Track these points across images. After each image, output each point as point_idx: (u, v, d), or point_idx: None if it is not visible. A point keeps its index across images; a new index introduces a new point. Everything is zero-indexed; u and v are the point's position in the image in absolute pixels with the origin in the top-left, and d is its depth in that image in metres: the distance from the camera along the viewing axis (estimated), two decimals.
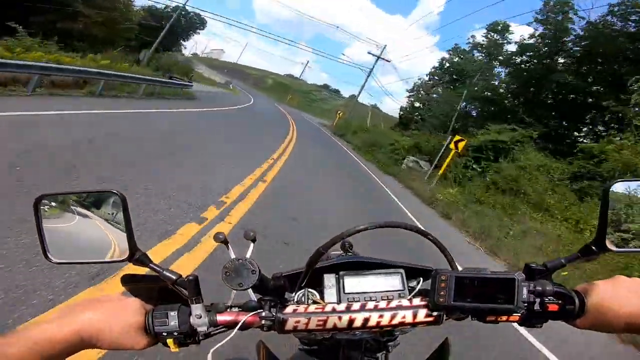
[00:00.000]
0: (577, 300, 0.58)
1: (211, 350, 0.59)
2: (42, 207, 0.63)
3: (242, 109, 21.15)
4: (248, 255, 0.61)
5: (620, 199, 0.64)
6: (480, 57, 26.88)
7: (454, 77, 28.07)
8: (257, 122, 16.91)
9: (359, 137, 24.68)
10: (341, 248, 0.98)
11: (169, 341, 0.58)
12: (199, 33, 36.22)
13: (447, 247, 0.70)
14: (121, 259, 0.62)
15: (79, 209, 0.65)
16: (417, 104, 30.52)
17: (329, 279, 0.71)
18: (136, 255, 0.61)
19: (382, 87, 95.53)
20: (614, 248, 0.61)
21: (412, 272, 0.74)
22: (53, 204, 0.65)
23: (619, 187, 0.63)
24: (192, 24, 34.99)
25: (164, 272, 0.61)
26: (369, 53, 35.67)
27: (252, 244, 0.65)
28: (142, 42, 19.89)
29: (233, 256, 0.60)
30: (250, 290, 0.60)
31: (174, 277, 0.60)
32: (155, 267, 0.61)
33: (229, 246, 0.63)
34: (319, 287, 0.70)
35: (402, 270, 0.72)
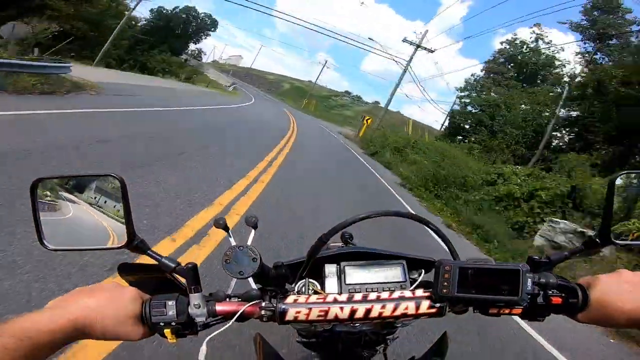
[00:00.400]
0: (580, 294, 0.57)
1: (206, 339, 0.58)
2: (38, 191, 0.60)
3: (215, 110, 14.39)
4: (249, 242, 0.61)
5: (625, 192, 0.63)
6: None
7: (523, 71, 22.43)
8: (235, 132, 9.96)
9: (406, 160, 14.67)
10: (341, 239, 0.97)
11: (166, 331, 0.56)
12: (209, 35, 36.85)
13: None
14: (119, 245, 0.60)
15: (77, 194, 0.62)
16: (470, 108, 23.84)
17: (330, 270, 0.71)
18: (134, 241, 0.60)
19: (421, 87, 66.95)
20: (618, 241, 0.61)
21: (413, 264, 0.74)
22: (50, 188, 0.62)
23: (624, 180, 0.62)
24: (202, 25, 35.45)
25: (163, 259, 0.60)
26: (404, 41, 24.60)
27: (253, 231, 0.65)
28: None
29: (234, 243, 0.60)
30: (250, 279, 0.59)
31: (172, 265, 0.59)
32: (153, 254, 0.60)
33: (230, 232, 0.62)
34: (320, 278, 0.70)
35: (403, 262, 0.72)
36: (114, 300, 0.53)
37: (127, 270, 0.63)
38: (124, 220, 0.59)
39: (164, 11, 31.08)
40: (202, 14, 36.18)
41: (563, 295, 0.58)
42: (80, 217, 0.62)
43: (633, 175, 0.64)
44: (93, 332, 0.51)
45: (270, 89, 72.83)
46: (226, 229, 0.63)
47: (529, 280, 0.55)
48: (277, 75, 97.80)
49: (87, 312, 0.50)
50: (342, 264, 0.71)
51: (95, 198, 0.62)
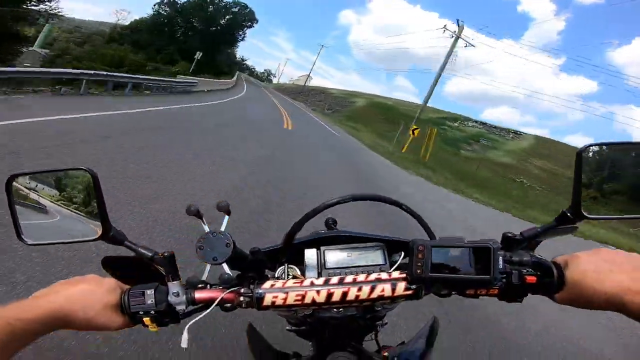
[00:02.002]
0: (555, 272, 0.54)
1: (187, 326, 0.58)
2: (14, 187, 0.62)
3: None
4: (222, 228, 0.61)
5: (592, 163, 0.59)
6: None
7: None
8: None
9: None
10: (325, 225, 0.97)
11: (146, 320, 0.57)
12: (245, 32, 44.04)
13: None
14: (94, 237, 0.61)
15: (52, 188, 0.64)
16: None
17: (310, 254, 0.72)
18: (110, 233, 0.61)
19: None
20: (590, 216, 0.58)
21: (394, 246, 0.74)
22: (26, 183, 0.63)
23: (591, 150, 0.59)
24: (239, 21, 41.30)
25: (140, 249, 0.61)
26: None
27: (226, 217, 0.66)
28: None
29: (207, 229, 0.60)
30: (225, 265, 0.60)
31: (149, 254, 0.60)
32: (130, 244, 0.62)
33: (203, 219, 0.64)
34: (302, 264, 0.71)
35: (383, 245, 0.72)
36: (93, 291, 0.54)
37: (110, 263, 0.64)
38: (98, 213, 0.60)
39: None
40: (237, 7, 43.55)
41: (538, 274, 0.56)
42: (56, 211, 0.63)
43: (598, 147, 0.60)
44: (72, 323, 0.52)
45: (331, 107, 45.83)
46: (199, 215, 0.63)
47: (501, 258, 0.55)
48: (342, 90, 69.63)
49: (66, 302, 0.51)
50: (322, 248, 0.72)
51: (69, 191, 0.63)
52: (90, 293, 0.54)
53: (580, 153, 0.58)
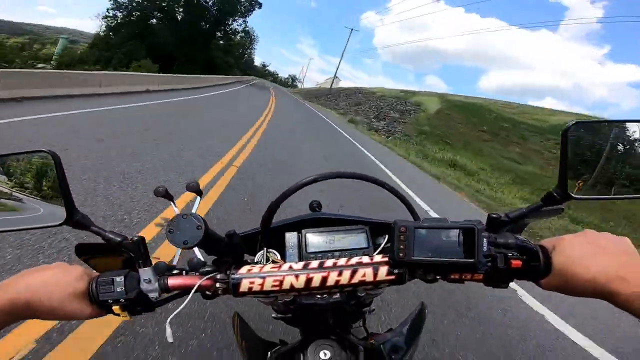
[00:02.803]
0: (541, 257, 0.52)
1: (167, 321, 0.56)
2: None
3: None
4: (194, 210, 0.58)
5: (578, 142, 0.58)
6: None
7: None
8: None
9: None
10: (310, 209, 0.95)
11: (116, 309, 0.54)
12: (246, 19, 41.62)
13: None
14: (58, 222, 0.58)
15: (11, 172, 0.61)
16: None
17: (291, 238, 0.69)
18: (75, 217, 0.58)
19: None
20: (577, 196, 0.57)
21: (379, 229, 0.72)
22: None
23: (576, 129, 0.58)
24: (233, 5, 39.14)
25: (107, 234, 0.58)
26: None
27: (198, 198, 0.63)
28: None
29: (177, 211, 0.57)
30: (196, 249, 0.57)
31: (118, 239, 0.58)
32: (97, 229, 0.59)
33: (173, 201, 0.61)
34: (283, 248, 0.69)
35: (366, 227, 0.70)
36: (59, 279, 0.52)
37: (83, 251, 0.61)
38: (62, 197, 0.57)
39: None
40: None
41: (523, 257, 0.54)
42: (17, 196, 0.61)
43: (586, 124, 0.59)
44: (38, 311, 0.50)
45: (384, 116, 27.85)
46: (168, 196, 0.61)
47: (485, 240, 0.52)
48: (389, 89, 44.69)
49: (32, 291, 0.49)
50: (303, 231, 0.70)
51: (30, 175, 0.61)
52: (56, 281, 0.52)
53: (565, 132, 0.57)
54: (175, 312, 0.57)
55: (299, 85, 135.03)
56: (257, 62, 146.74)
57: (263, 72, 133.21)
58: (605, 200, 0.62)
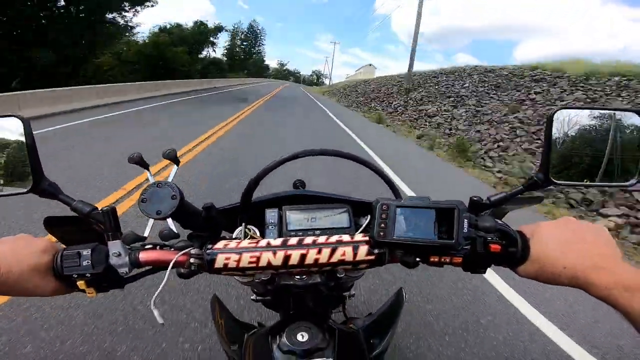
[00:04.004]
0: (520, 242, 0.52)
1: (152, 301, 0.53)
2: None
3: None
4: (170, 178, 0.56)
5: (562, 128, 0.58)
6: None
7: None
8: None
9: None
10: (293, 187, 0.93)
11: (81, 284, 0.51)
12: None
13: None
14: (23, 190, 0.55)
15: None
16: None
17: (271, 215, 0.68)
18: (41, 185, 0.54)
19: None
20: (559, 181, 0.57)
21: (361, 208, 0.71)
22: None
23: (561, 115, 0.58)
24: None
25: (75, 203, 0.55)
26: None
27: (175, 167, 0.61)
28: None
29: (152, 180, 0.54)
30: (170, 220, 0.55)
31: (86, 209, 0.54)
32: (65, 198, 0.55)
33: (149, 169, 0.58)
34: (263, 226, 0.67)
35: (348, 206, 0.69)
36: (20, 252, 0.48)
37: (53, 223, 0.58)
38: (29, 163, 0.54)
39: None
40: None
41: (503, 242, 0.53)
42: None
43: (571, 110, 0.58)
44: None
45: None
46: (142, 164, 0.58)
47: (466, 221, 0.52)
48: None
49: None
50: (284, 208, 0.69)
51: None
52: (18, 253, 0.48)
53: (551, 117, 0.56)
54: (157, 292, 0.53)
55: (326, 81, 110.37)
56: (274, 61, 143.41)
57: (282, 72, 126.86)
58: (586, 187, 0.61)
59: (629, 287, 0.42)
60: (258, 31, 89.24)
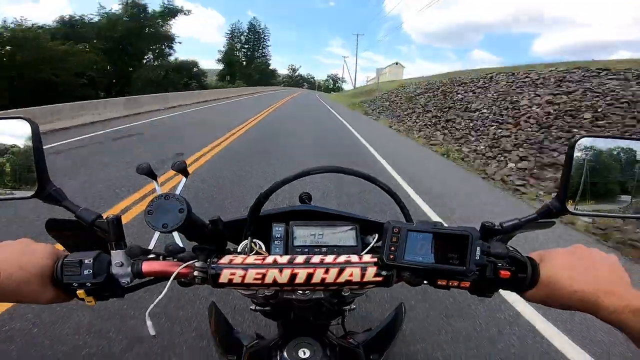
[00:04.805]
0: (529, 269, 0.52)
1: (147, 313, 0.53)
2: None
3: None
4: (178, 191, 0.55)
5: (584, 157, 0.57)
6: None
7: None
8: None
9: None
10: (299, 201, 0.92)
11: (80, 293, 0.50)
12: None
13: None
14: (28, 195, 0.54)
15: None
16: None
17: (277, 229, 0.67)
18: (47, 190, 0.54)
19: None
20: (574, 210, 0.56)
21: (369, 227, 0.70)
22: None
23: (584, 143, 0.56)
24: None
25: (80, 211, 0.54)
26: None
27: (183, 179, 0.60)
28: None
29: (159, 191, 0.54)
30: (175, 234, 0.54)
31: (91, 217, 0.53)
32: (70, 205, 0.55)
33: (157, 180, 0.57)
34: (269, 240, 0.66)
35: (356, 225, 0.68)
36: (21, 257, 0.47)
37: (55, 227, 0.57)
38: (35, 167, 0.53)
39: None
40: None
41: (512, 269, 0.53)
42: None
43: (593, 139, 0.57)
44: None
45: None
46: (151, 175, 0.57)
47: (478, 248, 0.51)
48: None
49: None
50: (291, 223, 0.68)
51: (3, 143, 0.56)
52: (19, 259, 0.47)
53: (573, 144, 0.56)
54: (154, 303, 0.52)
55: (346, 86, 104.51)
56: (285, 69, 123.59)
57: (295, 79, 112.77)
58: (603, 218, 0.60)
59: (638, 312, 0.42)
60: (260, 31, 77.31)
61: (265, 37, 78.12)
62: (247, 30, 77.34)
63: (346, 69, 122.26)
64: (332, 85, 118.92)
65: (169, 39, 39.16)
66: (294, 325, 0.70)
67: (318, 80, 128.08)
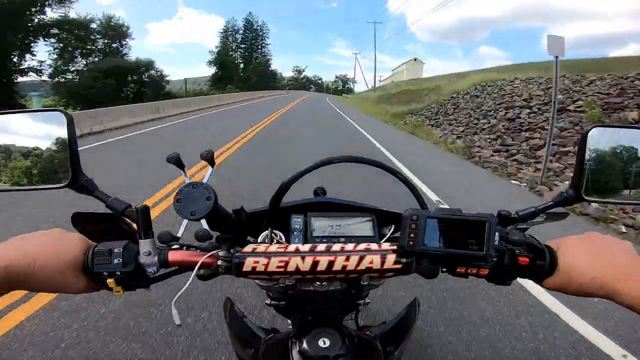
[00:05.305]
0: (548, 256, 0.53)
1: (173, 300, 0.53)
2: None
3: None
4: (205, 180, 0.56)
5: (597, 146, 0.58)
6: None
7: None
8: None
9: None
10: (314, 194, 0.93)
11: (110, 282, 0.51)
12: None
13: None
14: (62, 185, 0.56)
15: (22, 129, 0.59)
16: None
17: (296, 221, 0.68)
18: (80, 181, 0.55)
19: None
20: (589, 197, 0.58)
21: (384, 218, 0.71)
22: None
23: (596, 132, 0.58)
24: None
25: (111, 200, 0.56)
26: None
27: (210, 168, 0.62)
28: None
29: (187, 180, 0.55)
30: (203, 221, 0.56)
31: (122, 207, 0.55)
32: (101, 194, 0.57)
33: (184, 170, 0.59)
34: (288, 230, 0.68)
35: (373, 216, 0.70)
36: (54, 247, 0.48)
37: (80, 220, 0.58)
38: (69, 159, 0.55)
39: None
40: None
41: (531, 256, 0.54)
42: (23, 154, 0.59)
43: (605, 128, 0.59)
44: (27, 282, 0.45)
45: None
46: (179, 164, 0.59)
47: (497, 234, 0.52)
48: None
49: (22, 259, 0.45)
50: (310, 214, 0.69)
51: (40, 134, 0.58)
52: (51, 249, 0.47)
53: (585, 134, 0.57)
54: (179, 293, 0.54)
55: (357, 87, 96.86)
56: (289, 72, 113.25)
57: (300, 81, 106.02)
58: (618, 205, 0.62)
59: None
60: (258, 28, 68.91)
61: (264, 35, 70.23)
62: (243, 28, 68.99)
63: (359, 67, 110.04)
64: (342, 87, 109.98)
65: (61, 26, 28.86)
66: (311, 318, 0.71)
67: (326, 81, 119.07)
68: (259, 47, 69.46)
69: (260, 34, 69.45)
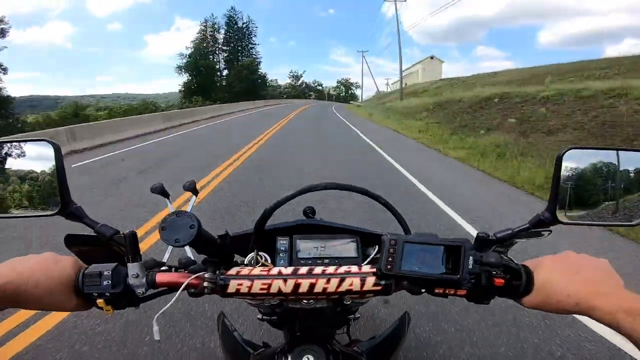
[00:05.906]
0: (524, 276, 0.54)
1: (155, 317, 0.55)
2: None
3: None
4: (189, 208, 0.58)
5: (572, 168, 0.60)
6: None
7: None
8: None
9: None
10: (303, 215, 0.96)
11: (100, 302, 0.53)
12: None
13: None
14: (52, 212, 0.58)
15: (9, 160, 0.61)
16: None
17: (282, 243, 0.70)
18: (69, 208, 0.58)
19: None
20: (565, 220, 0.58)
21: (369, 239, 0.72)
22: None
23: (571, 155, 0.59)
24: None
25: (99, 227, 0.58)
26: None
27: (193, 197, 0.64)
28: None
29: (172, 209, 0.57)
30: (187, 248, 0.57)
31: (109, 233, 0.57)
32: (90, 221, 0.59)
33: (169, 199, 0.61)
34: (274, 252, 0.70)
35: (357, 237, 0.71)
36: (47, 268, 0.52)
37: (73, 241, 0.61)
38: (58, 187, 0.57)
39: None
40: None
41: (507, 276, 0.56)
42: (12, 183, 0.61)
43: (580, 150, 0.60)
44: (22, 301, 0.49)
45: None
46: (164, 194, 0.61)
47: (471, 258, 0.54)
48: None
49: (17, 279, 0.48)
50: (295, 237, 0.71)
51: (28, 163, 0.60)
52: (45, 270, 0.51)
53: (560, 157, 0.58)
54: (162, 310, 0.57)
55: (366, 94, 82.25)
56: (285, 80, 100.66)
57: (298, 88, 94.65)
58: (594, 227, 0.64)
59: (631, 312, 0.43)
60: (243, 25, 58.11)
61: (251, 34, 59.48)
62: (225, 27, 57.95)
63: (367, 68, 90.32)
64: (345, 93, 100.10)
65: None
66: (299, 334, 0.72)
67: (327, 87, 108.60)
68: (245, 48, 60.06)
69: (246, 32, 59.72)
